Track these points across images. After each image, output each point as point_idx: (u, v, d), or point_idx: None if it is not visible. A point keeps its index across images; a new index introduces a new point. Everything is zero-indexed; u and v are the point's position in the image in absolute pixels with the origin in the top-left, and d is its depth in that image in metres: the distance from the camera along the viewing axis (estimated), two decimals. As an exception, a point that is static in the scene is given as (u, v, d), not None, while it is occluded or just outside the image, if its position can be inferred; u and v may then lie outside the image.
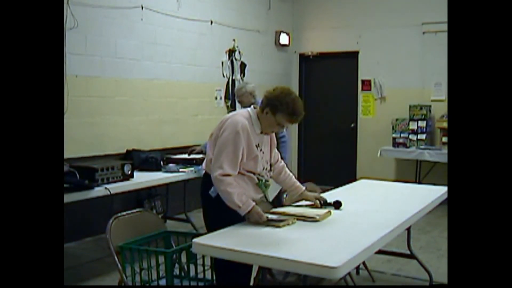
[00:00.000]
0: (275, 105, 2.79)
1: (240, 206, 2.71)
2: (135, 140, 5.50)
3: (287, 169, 3.21)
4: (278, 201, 3.33)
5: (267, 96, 2.85)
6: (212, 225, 2.76)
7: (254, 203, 2.76)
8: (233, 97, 6.95)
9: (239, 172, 2.81)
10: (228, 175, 2.73)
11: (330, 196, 3.48)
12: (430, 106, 7.13)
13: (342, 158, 8.15)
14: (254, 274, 2.95)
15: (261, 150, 2.88)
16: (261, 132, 2.88)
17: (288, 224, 2.75)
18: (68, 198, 3.49)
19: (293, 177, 3.22)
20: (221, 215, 2.79)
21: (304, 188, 3.22)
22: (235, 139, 2.73)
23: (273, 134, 3.07)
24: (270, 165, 3.03)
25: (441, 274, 4.01)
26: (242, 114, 2.88)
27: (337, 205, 3.15)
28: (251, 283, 2.96)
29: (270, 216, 2.84)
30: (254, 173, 2.87)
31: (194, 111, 6.35)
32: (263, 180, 2.93)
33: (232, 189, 2.71)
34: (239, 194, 2.73)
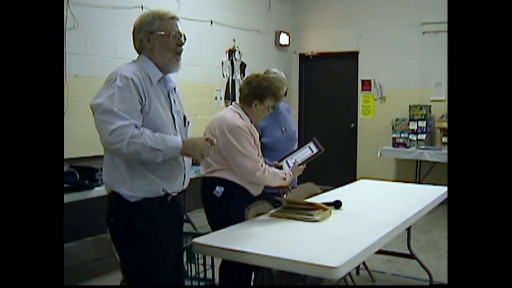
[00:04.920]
0: (261, 94, 2.95)
1: (285, 177, 3.00)
2: (135, 140, 5.49)
3: None
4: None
5: (250, 92, 2.98)
6: (218, 225, 2.78)
7: (288, 170, 3.03)
8: (233, 96, 6.94)
9: None
10: (262, 162, 2.93)
11: (330, 196, 3.48)
12: (430, 106, 7.13)
13: (342, 158, 8.14)
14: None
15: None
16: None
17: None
18: (68, 198, 3.50)
19: None
20: (227, 213, 2.83)
21: None
22: (245, 136, 2.87)
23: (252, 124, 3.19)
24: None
25: (441, 274, 4.01)
26: (232, 114, 2.95)
27: (337, 205, 3.15)
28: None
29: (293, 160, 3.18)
30: None
31: (194, 111, 6.35)
32: None
33: (272, 169, 2.97)
34: (278, 170, 3.02)
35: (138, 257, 2.17)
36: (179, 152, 2.18)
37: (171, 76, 2.32)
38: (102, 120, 2.09)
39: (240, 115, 2.95)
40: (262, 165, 2.90)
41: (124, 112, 2.07)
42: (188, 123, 2.37)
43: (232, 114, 2.94)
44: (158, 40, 2.22)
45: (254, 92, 2.95)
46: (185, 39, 2.28)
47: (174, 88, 2.34)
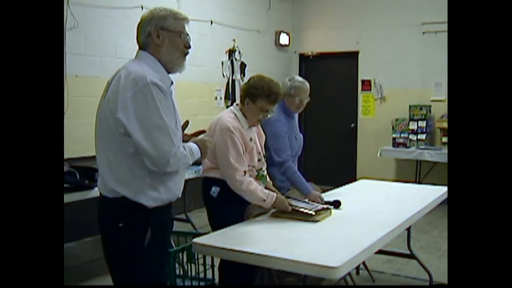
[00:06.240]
0: (252, 93, 2.90)
1: (265, 199, 2.81)
2: (135, 140, 5.48)
3: None
4: None
5: (243, 89, 2.97)
6: (217, 225, 2.78)
7: (275, 194, 2.87)
8: (233, 97, 6.94)
9: None
10: (243, 171, 2.81)
11: (330, 196, 3.48)
12: (430, 106, 7.13)
13: (342, 158, 8.15)
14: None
15: (254, 142, 2.98)
16: (250, 126, 2.96)
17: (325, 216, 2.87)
18: (68, 198, 3.49)
19: None
20: (225, 213, 2.83)
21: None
22: (232, 140, 2.81)
23: (259, 126, 3.14)
24: (263, 156, 3.10)
25: (441, 274, 4.01)
26: (228, 115, 2.94)
27: (336, 204, 3.15)
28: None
29: (296, 203, 2.95)
30: (253, 166, 2.95)
31: (194, 111, 6.35)
32: (263, 173, 3.02)
33: (252, 186, 2.81)
34: (261, 189, 2.84)
35: (151, 261, 2.15)
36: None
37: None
38: (160, 140, 2.01)
39: (236, 116, 2.93)
40: (243, 175, 2.80)
41: (175, 125, 2.07)
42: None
43: (228, 115, 2.93)
44: (168, 37, 2.16)
45: (247, 90, 2.94)
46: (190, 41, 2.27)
47: None
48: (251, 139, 2.95)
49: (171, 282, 2.68)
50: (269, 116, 3.03)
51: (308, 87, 3.56)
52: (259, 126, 3.15)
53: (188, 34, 2.23)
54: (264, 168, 3.06)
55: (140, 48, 2.22)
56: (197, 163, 4.80)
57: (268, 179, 3.12)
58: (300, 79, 3.57)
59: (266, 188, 2.98)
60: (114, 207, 2.13)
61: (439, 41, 7.03)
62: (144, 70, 2.07)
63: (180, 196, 2.28)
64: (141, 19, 2.21)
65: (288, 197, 3.06)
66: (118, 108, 2.01)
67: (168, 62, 2.18)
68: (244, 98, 2.94)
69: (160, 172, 2.08)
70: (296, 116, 3.70)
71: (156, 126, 2.00)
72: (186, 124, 2.33)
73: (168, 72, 2.21)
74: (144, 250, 2.12)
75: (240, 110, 2.97)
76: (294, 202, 2.96)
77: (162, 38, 2.16)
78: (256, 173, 2.97)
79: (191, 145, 2.20)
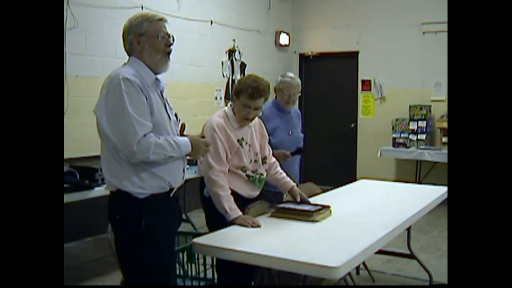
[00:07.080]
0: (236, 88, 2.94)
1: (227, 211, 2.75)
2: (135, 140, 5.48)
3: (278, 167, 3.23)
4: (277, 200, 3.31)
5: (234, 87, 3.02)
6: (214, 226, 2.77)
7: (240, 214, 2.76)
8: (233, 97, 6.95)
9: (229, 170, 2.86)
10: (220, 172, 2.79)
11: (330, 196, 3.49)
12: (430, 106, 7.13)
13: (342, 158, 8.15)
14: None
15: (246, 143, 2.95)
16: (241, 126, 2.94)
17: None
18: (68, 198, 3.49)
19: (283, 173, 3.23)
20: (220, 214, 2.80)
21: (293, 184, 3.21)
22: (212, 137, 2.79)
23: (262, 126, 3.13)
24: (264, 158, 3.07)
25: (441, 274, 4.01)
26: (218, 114, 2.98)
27: (299, 151, 3.39)
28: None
29: (295, 206, 2.95)
30: (242, 168, 2.91)
31: (194, 111, 6.35)
32: (257, 176, 2.97)
33: (222, 191, 2.77)
34: (229, 198, 2.77)
35: (149, 253, 2.19)
36: (187, 154, 2.29)
37: (160, 75, 2.35)
38: (123, 129, 2.10)
39: (226, 115, 2.93)
40: (219, 175, 2.77)
41: (141, 116, 2.12)
42: (179, 120, 2.40)
43: (218, 114, 2.96)
44: (147, 41, 2.26)
45: (234, 89, 2.99)
46: (173, 39, 2.32)
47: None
48: (242, 139, 2.91)
49: (172, 282, 2.67)
50: (259, 114, 3.02)
51: (299, 83, 3.66)
52: (262, 126, 3.13)
53: (168, 33, 2.31)
54: (260, 170, 3.00)
55: (128, 55, 2.34)
56: (196, 163, 4.80)
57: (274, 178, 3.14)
58: (291, 74, 3.69)
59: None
60: (112, 201, 2.26)
61: (439, 41, 7.03)
62: (122, 70, 2.21)
63: (175, 185, 2.31)
64: (123, 30, 2.32)
65: (286, 201, 3.06)
66: (97, 106, 2.18)
67: (152, 64, 2.29)
68: (234, 95, 2.98)
69: (133, 161, 2.16)
70: (294, 112, 3.73)
71: (120, 117, 2.11)
72: (183, 127, 2.39)
73: (156, 73, 2.30)
74: (142, 242, 2.18)
75: (232, 110, 2.97)
76: (292, 205, 2.97)
77: (142, 44, 2.27)
78: (247, 177, 2.92)
79: (179, 138, 2.27)
